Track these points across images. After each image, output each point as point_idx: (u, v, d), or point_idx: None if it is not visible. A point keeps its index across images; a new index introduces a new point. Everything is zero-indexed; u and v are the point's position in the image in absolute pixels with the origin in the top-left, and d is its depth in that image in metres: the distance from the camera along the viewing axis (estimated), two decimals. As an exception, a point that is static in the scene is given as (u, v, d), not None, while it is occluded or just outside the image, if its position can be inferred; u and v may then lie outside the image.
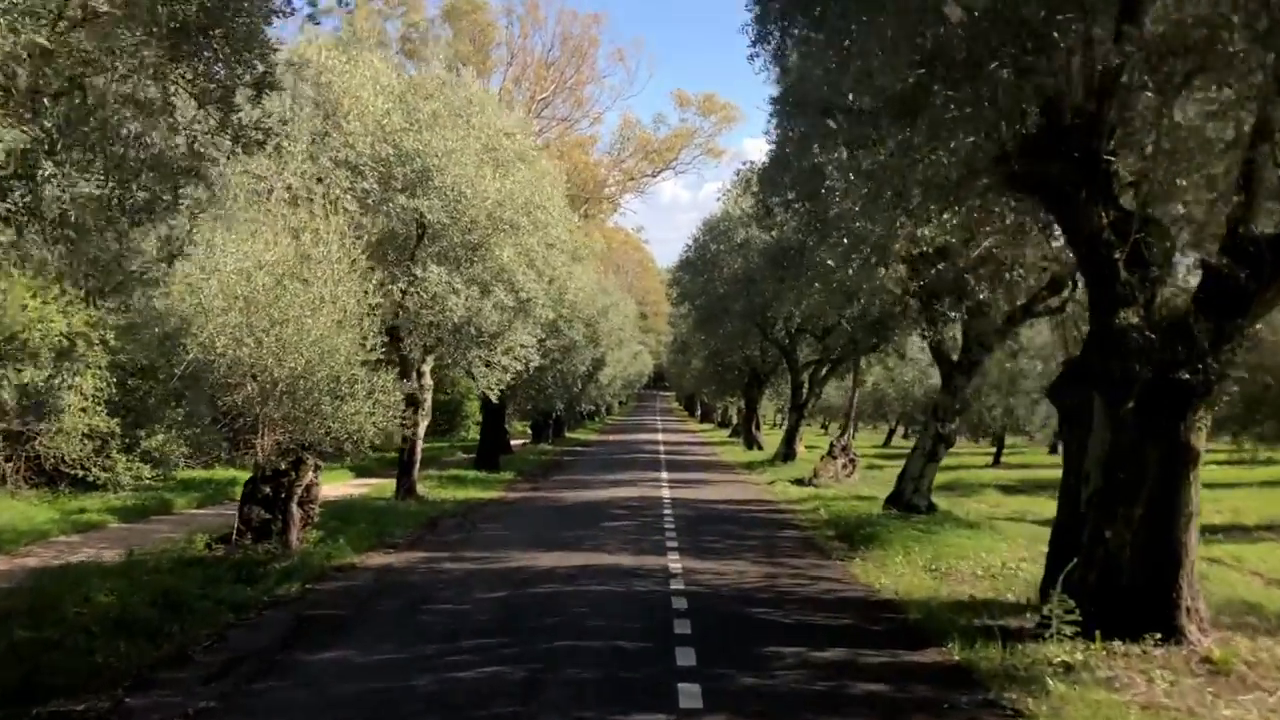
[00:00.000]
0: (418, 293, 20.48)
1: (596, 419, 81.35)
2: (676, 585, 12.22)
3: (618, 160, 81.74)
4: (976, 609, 10.66)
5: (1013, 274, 13.97)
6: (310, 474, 14.65)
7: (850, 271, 16.97)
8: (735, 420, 63.86)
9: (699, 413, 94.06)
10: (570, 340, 32.25)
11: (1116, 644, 8.63)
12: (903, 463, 37.24)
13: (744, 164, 23.80)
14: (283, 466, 14.33)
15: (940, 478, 36.08)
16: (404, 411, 23.26)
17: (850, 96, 8.36)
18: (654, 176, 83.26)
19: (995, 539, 16.29)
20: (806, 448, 37.48)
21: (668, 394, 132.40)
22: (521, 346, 24.26)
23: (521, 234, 21.78)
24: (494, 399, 27.05)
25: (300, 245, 14.12)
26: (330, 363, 13.77)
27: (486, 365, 23.34)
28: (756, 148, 73.52)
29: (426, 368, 23.29)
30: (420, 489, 24.06)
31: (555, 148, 77.06)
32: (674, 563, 13.94)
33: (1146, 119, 8.57)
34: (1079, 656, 8.35)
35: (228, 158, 9.48)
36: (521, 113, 43.76)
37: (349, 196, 19.21)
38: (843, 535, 16.71)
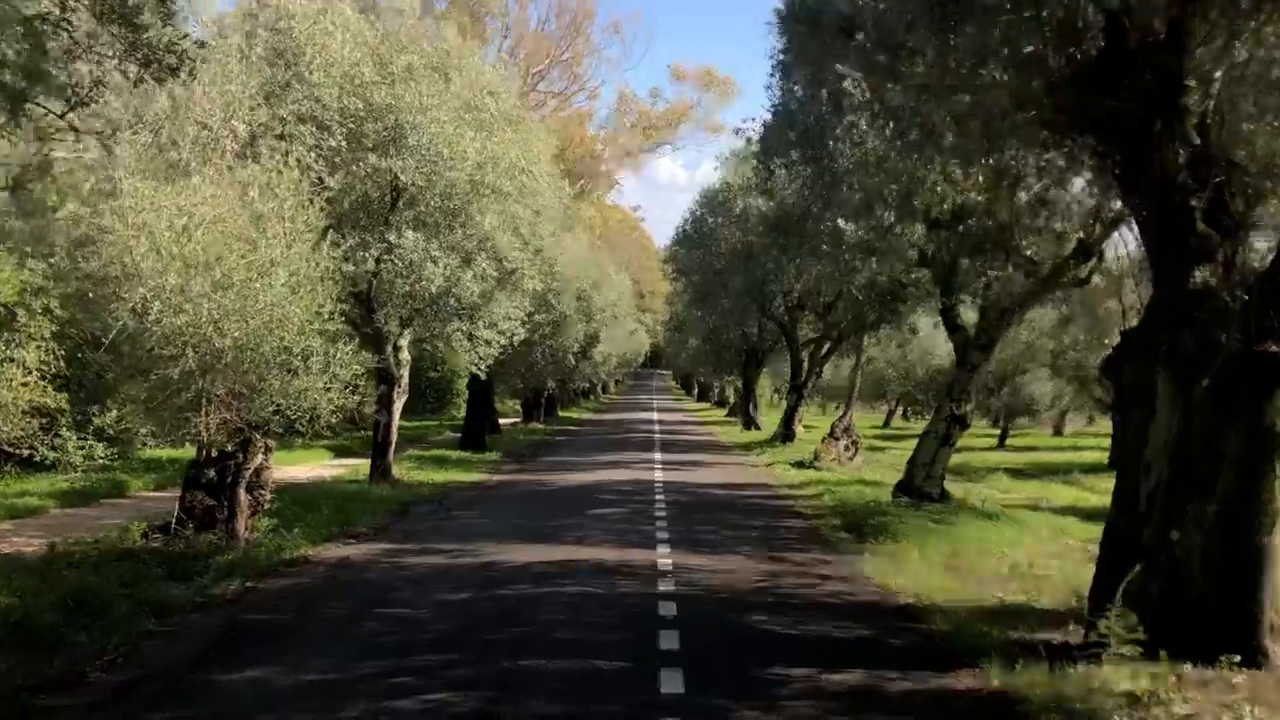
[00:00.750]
0: (393, 260, 19.05)
1: (591, 398, 79.94)
2: (665, 586, 10.79)
3: (614, 135, 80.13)
4: (1009, 618, 9.25)
5: (1057, 225, 12.45)
6: (260, 456, 13.17)
7: (861, 234, 15.53)
8: (732, 399, 62.46)
9: (695, 392, 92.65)
10: (560, 314, 30.78)
11: (1187, 668, 7.21)
12: (904, 444, 35.83)
13: (745, 120, 21.81)
14: (229, 448, 12.88)
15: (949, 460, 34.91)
16: (379, 388, 22.02)
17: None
18: (651, 152, 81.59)
19: (1017, 530, 14.90)
20: (805, 428, 36.10)
21: (664, 373, 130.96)
22: (506, 320, 22.85)
23: (506, 200, 20.28)
24: (481, 376, 25.60)
25: (249, 201, 12.62)
26: (280, 333, 12.28)
27: (469, 339, 21.92)
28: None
29: (404, 341, 21.86)
30: (396, 471, 22.64)
31: (549, 122, 75.55)
32: (664, 558, 12.52)
33: (1230, 37, 7.06)
34: (1145, 684, 6.92)
35: (136, 84, 7.98)
36: (518, 82, 42.35)
37: (313, 155, 17.76)
38: (850, 526, 15.29)
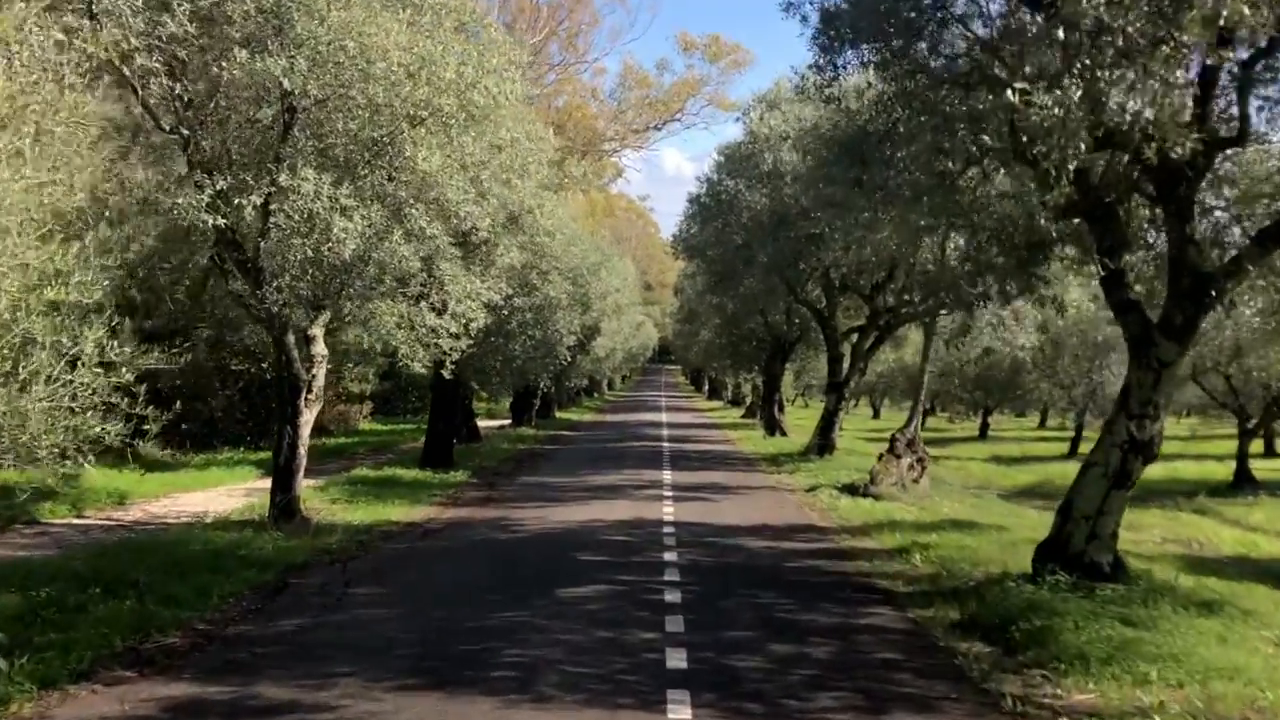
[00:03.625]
0: (284, 211, 13.15)
1: (595, 395, 74.00)
2: None
3: (618, 111, 74.09)
4: None
5: None
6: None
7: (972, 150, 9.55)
8: (749, 398, 56.41)
9: (706, 389, 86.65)
10: (547, 298, 24.73)
11: None
12: (956, 453, 29.66)
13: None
14: None
15: (1020, 475, 28.60)
16: (284, 394, 16.10)
17: None
18: (658, 129, 75.41)
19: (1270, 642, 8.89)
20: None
21: (673, 368, 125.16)
22: (463, 301, 16.93)
23: (451, 129, 14.36)
24: (445, 374, 19.55)
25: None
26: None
27: (408, 327, 15.95)
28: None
29: (318, 330, 15.91)
30: (311, 505, 16.75)
31: (548, 97, 69.69)
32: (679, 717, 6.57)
33: None
34: None
35: None
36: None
37: (147, 53, 11.87)
38: (983, 628, 9.27)
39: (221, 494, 19.31)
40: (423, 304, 16.16)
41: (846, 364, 27.75)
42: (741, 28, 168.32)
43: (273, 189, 13.12)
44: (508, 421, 40.52)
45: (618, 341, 56.09)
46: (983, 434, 43.21)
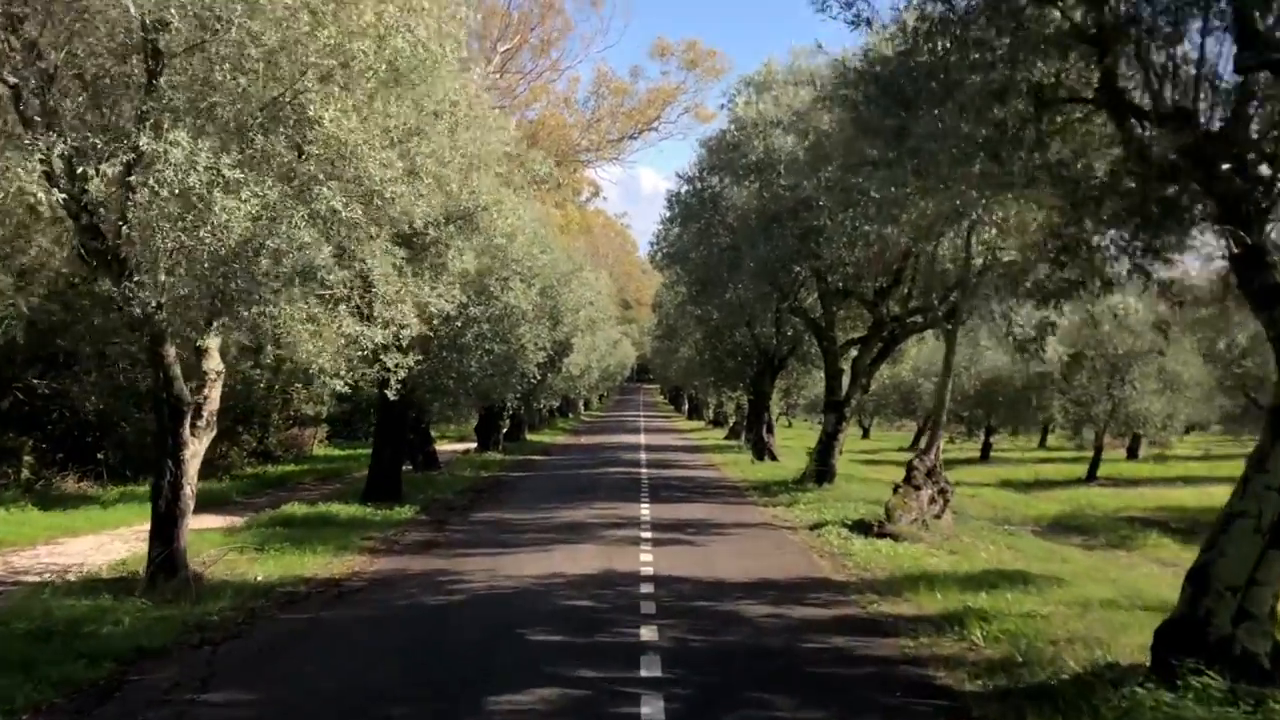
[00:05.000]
0: (150, 185, 10.07)
1: (570, 415, 70.81)
2: None
3: (593, 120, 71.24)
4: None
5: None
6: None
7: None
8: (732, 418, 53.34)
9: (686, 408, 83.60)
10: (506, 307, 21.62)
11: None
12: (964, 477, 26.66)
13: None
14: None
15: (1043, 505, 25.34)
16: (163, 421, 12.97)
17: None
18: (634, 139, 72.52)
19: None
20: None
21: (651, 387, 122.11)
22: (393, 305, 13.97)
23: (367, 80, 11.43)
24: (391, 395, 16.43)
25: None
26: None
27: (315, 330, 12.82)
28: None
29: (210, 340, 12.82)
30: (207, 556, 13.67)
31: (520, 105, 66.86)
32: None
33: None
34: None
35: None
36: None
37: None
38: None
39: (114, 539, 16.19)
40: (341, 308, 13.06)
41: (845, 380, 24.71)
42: (719, 37, 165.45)
43: (133, 156, 10.09)
44: (473, 445, 37.32)
45: (593, 359, 52.99)
46: (985, 455, 40.27)
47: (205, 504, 21.59)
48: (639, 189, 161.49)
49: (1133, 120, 8.49)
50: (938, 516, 17.36)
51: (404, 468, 28.13)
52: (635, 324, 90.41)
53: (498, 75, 64.02)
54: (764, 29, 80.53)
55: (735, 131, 22.35)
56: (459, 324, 21.20)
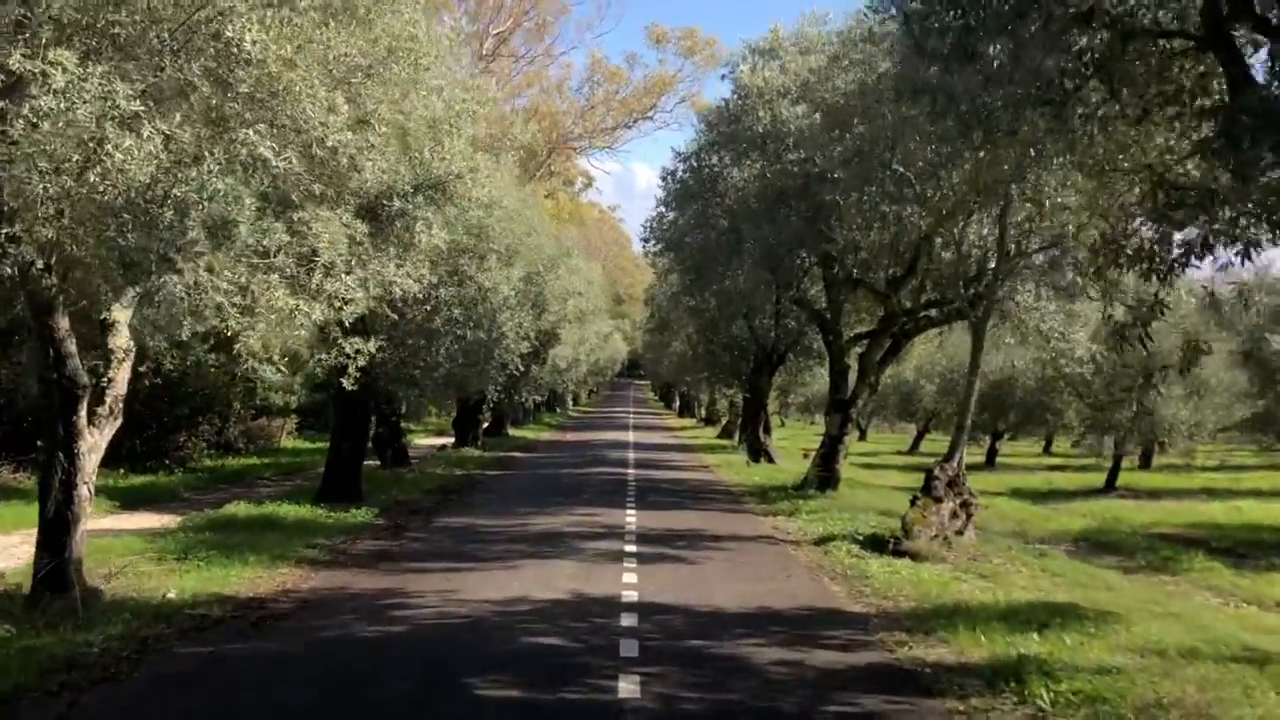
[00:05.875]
0: (27, 116, 8.03)
1: (558, 410, 68.73)
2: None
3: (587, 108, 69.18)
4: None
5: None
6: None
7: None
8: (725, 416, 51.32)
9: (677, 405, 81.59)
10: (480, 289, 19.61)
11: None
12: (982, 485, 24.69)
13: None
14: None
15: (1064, 519, 23.27)
16: (53, 407, 10.89)
17: None
18: (629, 128, 70.50)
19: None
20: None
21: (642, 383, 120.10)
22: (338, 278, 11.92)
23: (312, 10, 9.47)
24: (348, 385, 14.34)
25: None
26: None
27: (241, 305, 10.79)
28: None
29: (119, 313, 10.86)
30: (112, 564, 11.69)
31: (514, 91, 64.92)
32: None
33: None
34: None
35: None
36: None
37: None
38: None
39: (25, 540, 14.09)
40: (274, 277, 11.00)
41: (850, 378, 22.66)
42: (718, 24, 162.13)
43: (3, 78, 8.08)
44: (449, 442, 35.23)
45: (582, 352, 50.93)
46: (990, 462, 38.27)
47: (146, 500, 19.61)
48: (633, 185, 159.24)
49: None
50: (960, 533, 15.38)
51: (373, 464, 26.16)
52: (627, 319, 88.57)
53: (490, 59, 62.02)
54: (764, 17, 78.16)
55: (739, 101, 20.28)
56: (428, 307, 19.19)
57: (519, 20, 64.20)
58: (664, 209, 26.08)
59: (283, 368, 11.68)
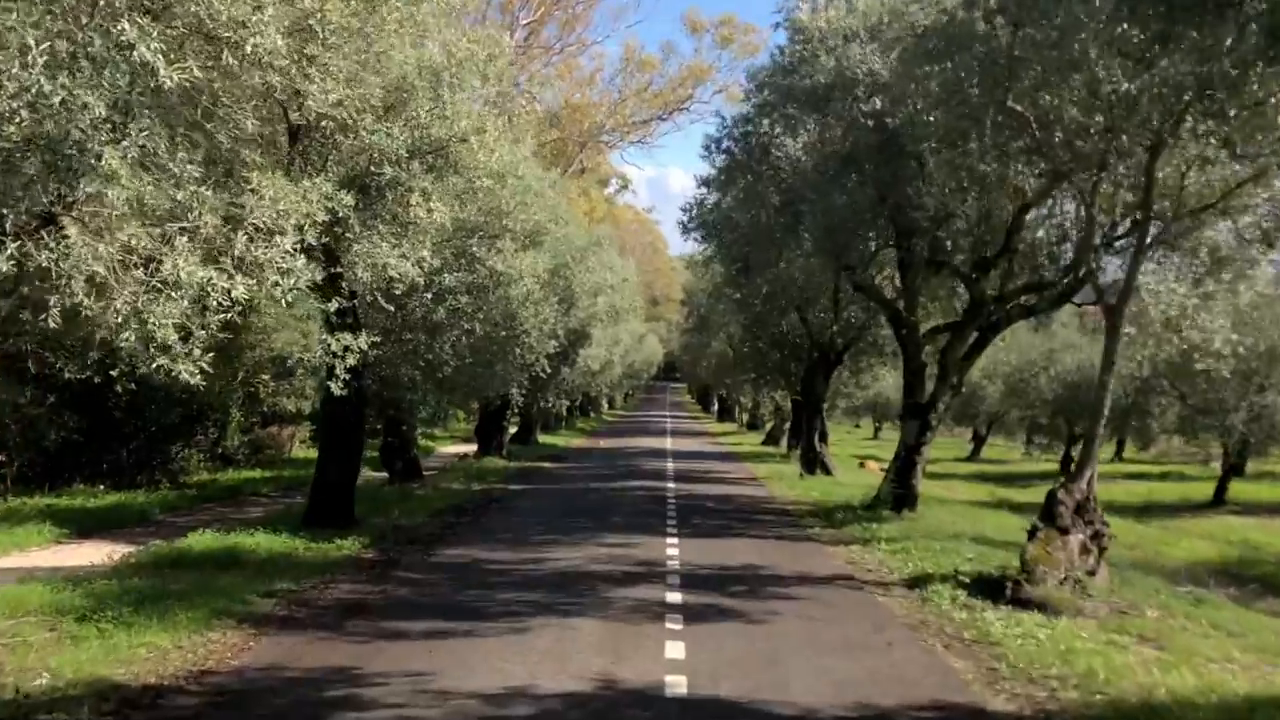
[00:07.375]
0: None
1: (591, 414, 65.68)
2: None
3: (619, 101, 66.13)
4: None
5: None
6: None
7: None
8: (768, 420, 47.98)
9: (716, 409, 78.36)
10: (492, 274, 16.54)
11: None
12: (1037, 495, 21.42)
13: None
14: None
15: (1188, 543, 19.69)
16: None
17: None
18: (663, 120, 67.31)
19: None
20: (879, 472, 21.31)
21: (679, 386, 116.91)
22: (271, 232, 8.90)
23: None
24: (335, 388, 11.31)
25: None
26: None
27: (144, 282, 7.76)
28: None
29: None
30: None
31: (539, 78, 62.04)
32: None
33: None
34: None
35: None
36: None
37: None
38: None
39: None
40: (180, 241, 7.90)
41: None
42: (757, 14, 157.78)
43: None
44: (471, 449, 32.17)
45: (615, 353, 47.73)
46: (1065, 469, 34.75)
47: (108, 525, 16.60)
48: (666, 188, 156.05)
49: None
50: (1091, 573, 12.10)
51: (382, 476, 23.23)
52: (663, 320, 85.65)
53: (521, 49, 59.08)
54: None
55: (797, 49, 16.99)
56: (429, 296, 16.19)
57: (549, 9, 61.36)
58: (705, 190, 22.89)
59: (199, 363, 8.57)
